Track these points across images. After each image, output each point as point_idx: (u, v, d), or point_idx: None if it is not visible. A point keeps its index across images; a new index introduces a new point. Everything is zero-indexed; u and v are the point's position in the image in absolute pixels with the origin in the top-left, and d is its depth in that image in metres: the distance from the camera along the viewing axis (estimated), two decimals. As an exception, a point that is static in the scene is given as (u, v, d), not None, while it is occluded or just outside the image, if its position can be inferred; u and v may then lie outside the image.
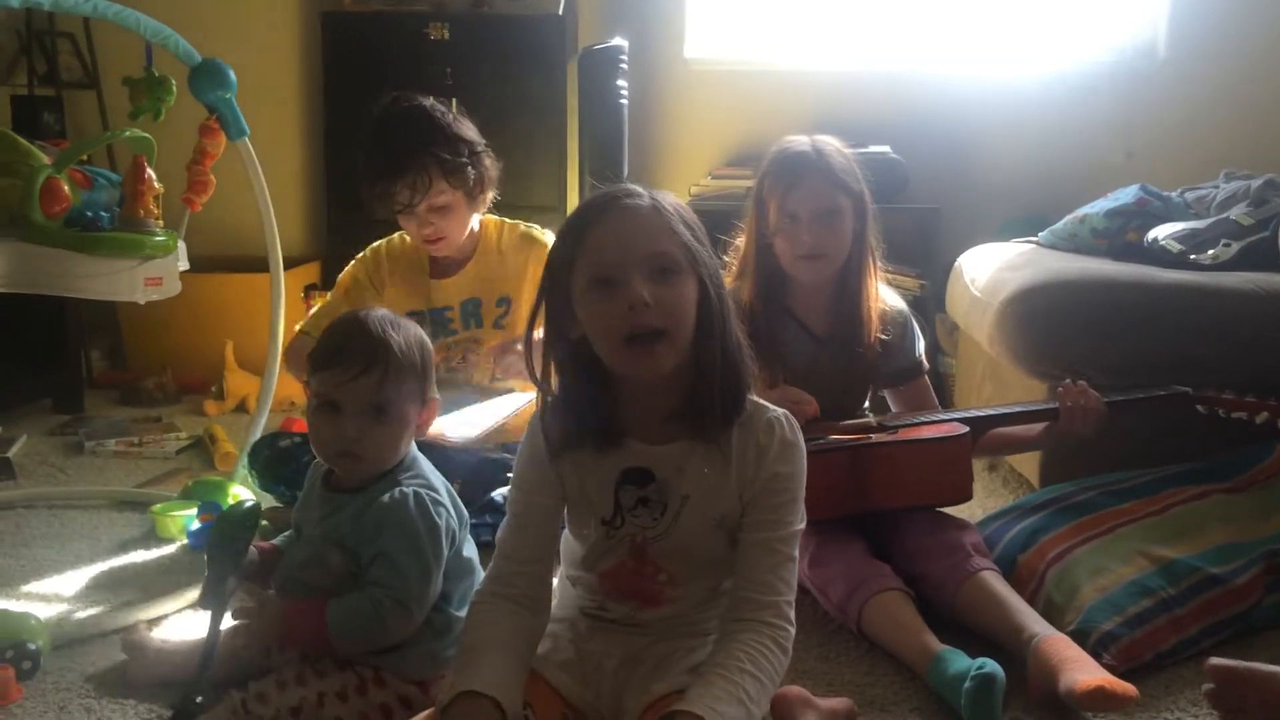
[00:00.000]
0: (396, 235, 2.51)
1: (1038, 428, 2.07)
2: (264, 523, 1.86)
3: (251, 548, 1.57)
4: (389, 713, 1.48)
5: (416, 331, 1.56)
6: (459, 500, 1.59)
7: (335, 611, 1.47)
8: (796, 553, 1.40)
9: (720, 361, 1.36)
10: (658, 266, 1.32)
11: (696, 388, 1.36)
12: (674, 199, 1.39)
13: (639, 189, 1.37)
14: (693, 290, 1.34)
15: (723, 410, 1.37)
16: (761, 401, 1.43)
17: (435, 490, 1.54)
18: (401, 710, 1.48)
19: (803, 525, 1.41)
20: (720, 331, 1.36)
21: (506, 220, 2.51)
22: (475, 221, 2.44)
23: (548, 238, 2.46)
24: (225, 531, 1.53)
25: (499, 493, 2.17)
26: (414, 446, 1.59)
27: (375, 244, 2.52)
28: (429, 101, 2.38)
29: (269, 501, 2.33)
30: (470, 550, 1.60)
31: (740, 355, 1.39)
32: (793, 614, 1.36)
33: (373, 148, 2.32)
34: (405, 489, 1.50)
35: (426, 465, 1.59)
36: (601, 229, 1.34)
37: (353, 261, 2.51)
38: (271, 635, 1.53)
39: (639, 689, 1.38)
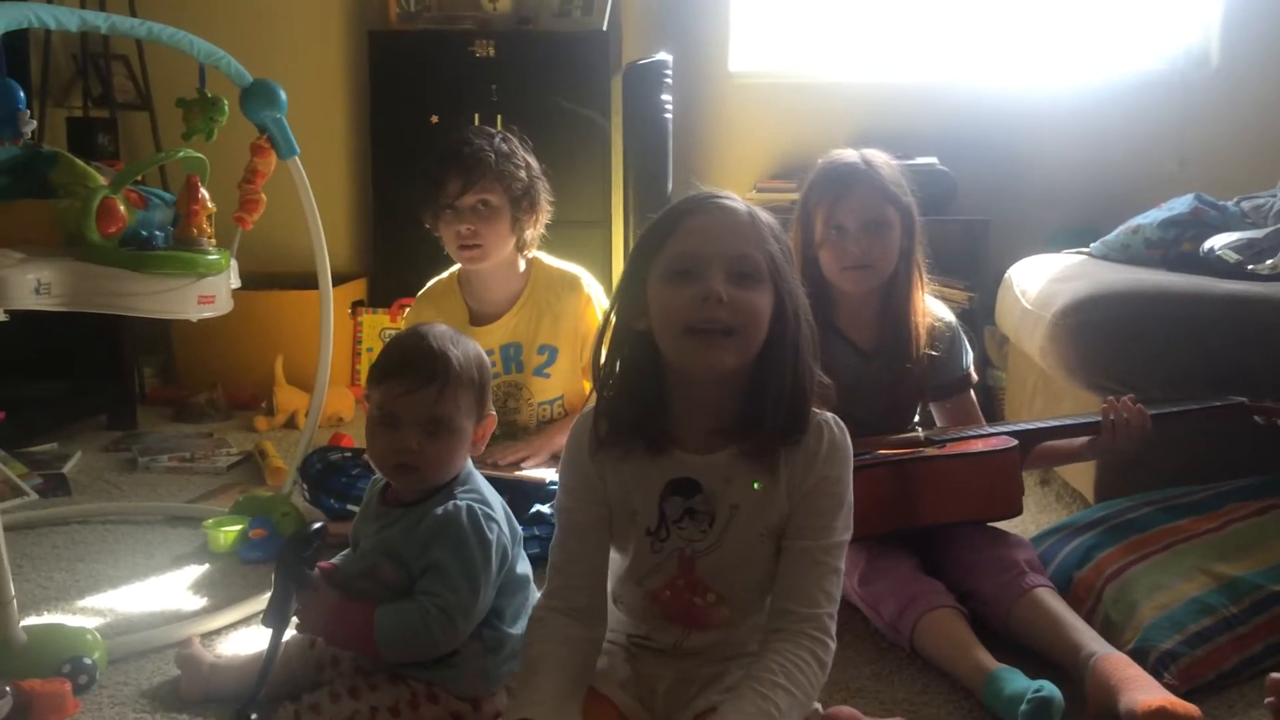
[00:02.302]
0: (435, 282, 2.53)
1: (1081, 440, 2.04)
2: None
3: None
4: (439, 729, 1.48)
5: (475, 348, 1.57)
6: (513, 516, 1.59)
7: (382, 617, 1.47)
8: (842, 565, 1.38)
9: (789, 380, 1.35)
10: (739, 270, 1.33)
11: (755, 400, 1.36)
12: (770, 216, 1.40)
13: (737, 197, 1.40)
14: (768, 301, 1.34)
15: (782, 429, 1.36)
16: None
17: (489, 505, 1.54)
18: None
19: (848, 536, 1.39)
20: (792, 350, 1.35)
21: (556, 265, 2.52)
22: (522, 264, 2.46)
23: (594, 290, 2.48)
24: (293, 551, 1.53)
25: (545, 506, 2.17)
26: (470, 462, 1.59)
27: (412, 308, 2.58)
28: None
29: (317, 515, 2.35)
30: (524, 567, 1.59)
31: (809, 381, 1.37)
32: (834, 627, 1.35)
33: (439, 146, 2.39)
34: (460, 502, 1.51)
35: (482, 481, 1.59)
36: (693, 220, 1.36)
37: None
38: (317, 628, 1.54)
39: (688, 708, 1.37)
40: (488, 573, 1.48)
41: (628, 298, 1.39)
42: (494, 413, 1.61)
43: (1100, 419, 1.99)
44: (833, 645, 1.34)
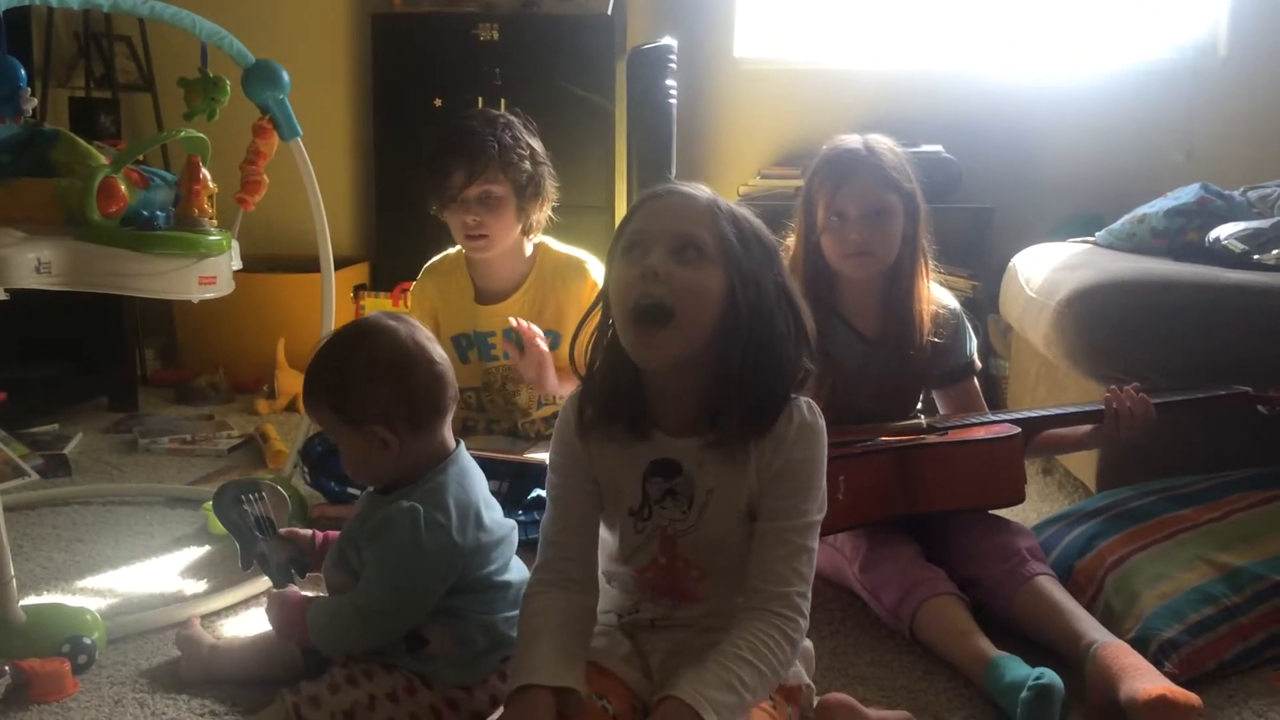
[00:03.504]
0: (441, 257, 2.52)
1: (1084, 429, 2.03)
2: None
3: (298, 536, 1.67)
4: (438, 713, 1.48)
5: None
6: (485, 522, 1.53)
7: (312, 609, 1.53)
8: (813, 543, 1.36)
9: (745, 372, 1.33)
10: (681, 245, 1.33)
11: (715, 390, 1.36)
12: (741, 209, 1.39)
13: (706, 189, 1.39)
14: (716, 283, 1.33)
15: (741, 421, 1.35)
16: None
17: (442, 509, 1.48)
18: (449, 712, 1.48)
19: (820, 516, 1.38)
20: (748, 338, 1.33)
21: (562, 250, 2.51)
22: (529, 247, 2.45)
23: (600, 276, 2.47)
24: (220, 501, 1.67)
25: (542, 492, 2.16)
26: (456, 464, 1.54)
27: (417, 281, 2.56)
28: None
29: (318, 499, 2.35)
30: (505, 571, 1.55)
31: (778, 372, 1.36)
32: (805, 606, 1.34)
33: (444, 130, 2.37)
34: (405, 504, 1.47)
35: (453, 484, 1.52)
36: (651, 204, 1.38)
37: (410, 308, 2.59)
38: (273, 625, 1.60)
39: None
40: (419, 577, 1.46)
41: (606, 283, 1.41)
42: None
43: (1103, 408, 1.99)
44: (803, 623, 1.33)
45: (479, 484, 1.56)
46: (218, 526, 2.27)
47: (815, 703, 1.47)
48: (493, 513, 1.56)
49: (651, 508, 1.41)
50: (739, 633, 1.30)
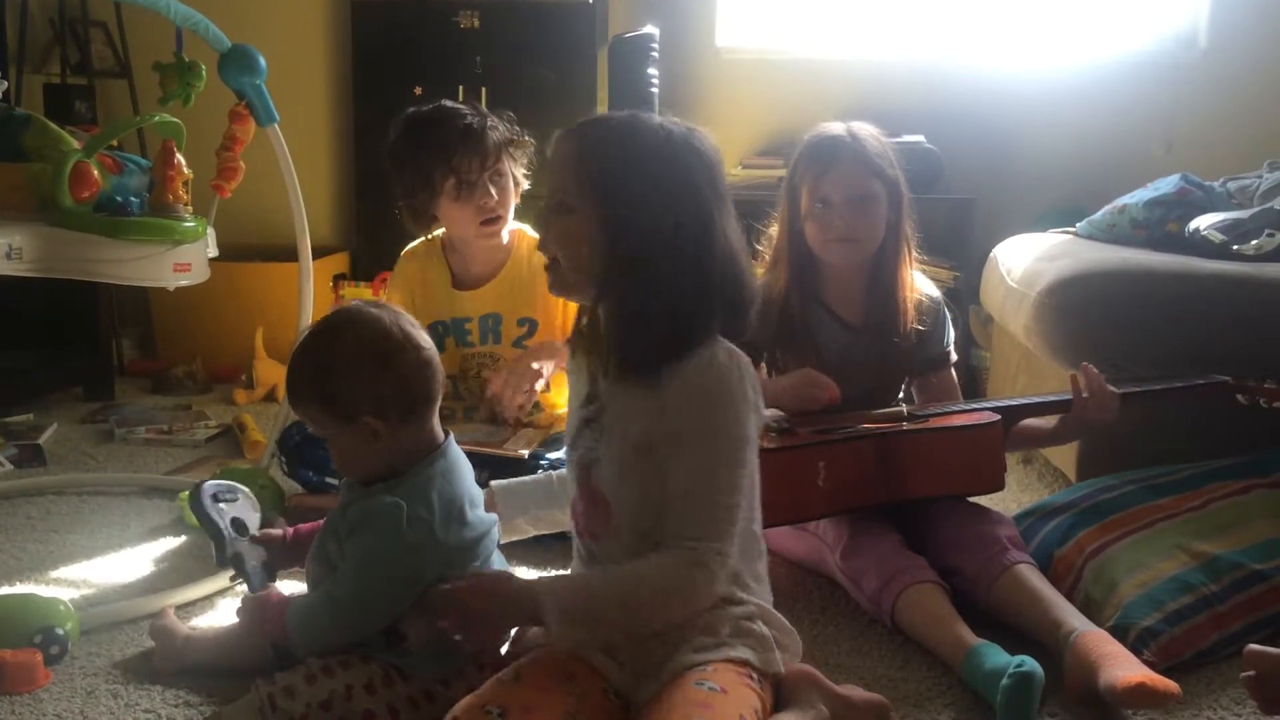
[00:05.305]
0: (418, 242, 2.50)
1: (1054, 421, 2.03)
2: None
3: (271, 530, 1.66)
4: (416, 705, 1.46)
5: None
6: (469, 519, 1.51)
7: (291, 607, 1.51)
8: (730, 498, 1.36)
9: (626, 313, 1.38)
10: (554, 196, 1.40)
11: (612, 330, 1.41)
12: (645, 142, 1.38)
13: (592, 116, 1.45)
14: (584, 226, 1.37)
15: (622, 361, 1.39)
16: (724, 345, 1.39)
17: (425, 505, 1.46)
18: (426, 704, 1.47)
19: (734, 470, 1.37)
20: (624, 283, 1.36)
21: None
22: (505, 234, 2.43)
23: None
24: (197, 499, 1.65)
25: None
26: (444, 458, 1.52)
27: (396, 267, 2.54)
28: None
29: (295, 489, 2.33)
30: (487, 566, 1.54)
31: (682, 306, 1.36)
32: (714, 559, 1.33)
33: (424, 132, 2.32)
34: (388, 499, 1.45)
35: (439, 479, 1.49)
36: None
37: (387, 292, 2.56)
38: (245, 625, 1.58)
39: (658, 668, 1.36)
40: (395, 574, 1.44)
41: None
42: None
43: (1067, 397, 1.99)
44: (711, 571, 1.33)
45: (466, 478, 1.55)
46: (193, 518, 2.25)
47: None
48: (476, 510, 1.54)
49: (575, 438, 1.48)
50: (631, 560, 1.36)
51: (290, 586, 1.76)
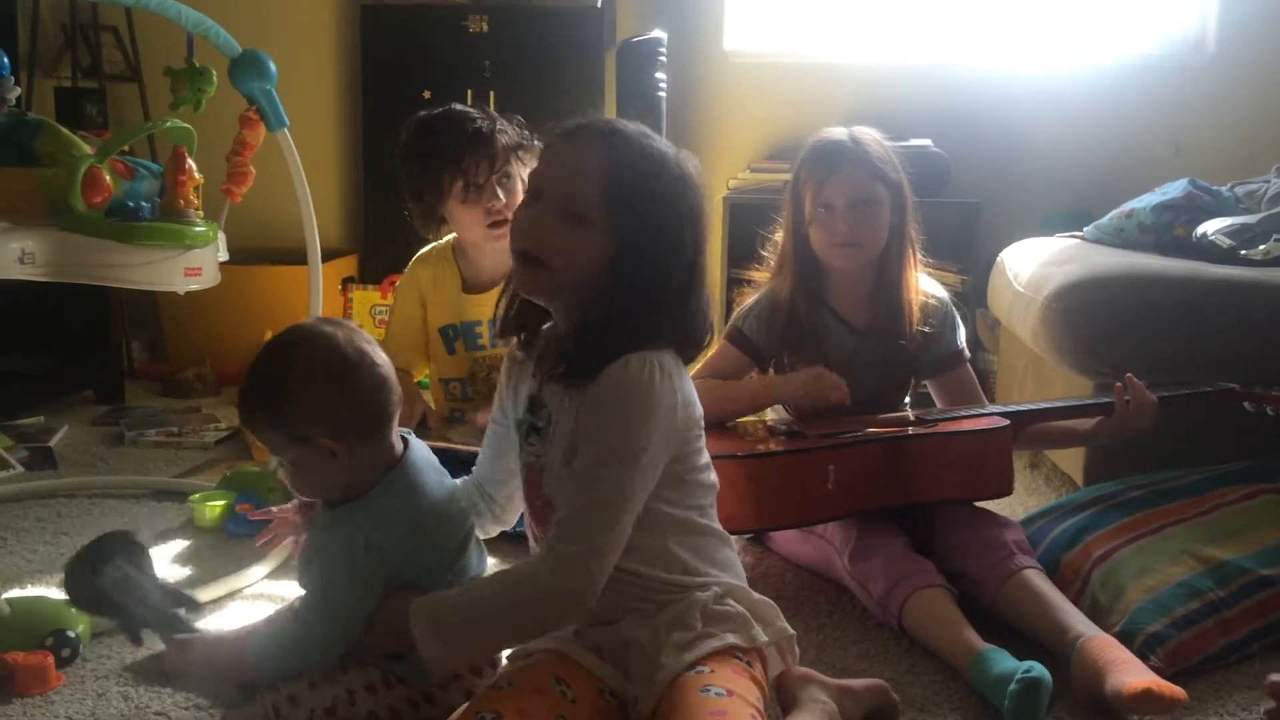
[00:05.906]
0: (430, 248, 2.52)
1: (1090, 422, 2.04)
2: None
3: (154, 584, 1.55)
4: (415, 705, 1.47)
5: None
6: (442, 529, 1.50)
7: (254, 641, 1.50)
8: (596, 493, 1.33)
9: (592, 319, 1.37)
10: (559, 206, 1.36)
11: (566, 334, 1.41)
12: (649, 151, 1.37)
13: (602, 121, 1.41)
14: (594, 248, 1.35)
15: (568, 365, 1.39)
16: (643, 353, 1.36)
17: (381, 529, 1.44)
18: (426, 706, 1.47)
19: (615, 473, 1.33)
20: (603, 294, 1.36)
21: None
22: None
23: None
24: (74, 580, 1.50)
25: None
26: (403, 476, 1.48)
27: (407, 271, 2.55)
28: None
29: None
30: (469, 569, 1.53)
31: (646, 326, 1.36)
32: (571, 563, 1.30)
33: (433, 136, 2.34)
34: (346, 528, 1.44)
35: (397, 502, 1.46)
36: (552, 150, 1.42)
37: (396, 295, 2.58)
38: (201, 673, 1.57)
39: (653, 670, 1.35)
40: (351, 601, 1.43)
41: None
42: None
43: (1104, 401, 2.01)
44: (575, 574, 1.30)
45: (431, 489, 1.49)
46: (204, 520, 2.26)
47: (796, 655, 1.49)
48: (447, 517, 1.50)
49: (523, 443, 1.49)
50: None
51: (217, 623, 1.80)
